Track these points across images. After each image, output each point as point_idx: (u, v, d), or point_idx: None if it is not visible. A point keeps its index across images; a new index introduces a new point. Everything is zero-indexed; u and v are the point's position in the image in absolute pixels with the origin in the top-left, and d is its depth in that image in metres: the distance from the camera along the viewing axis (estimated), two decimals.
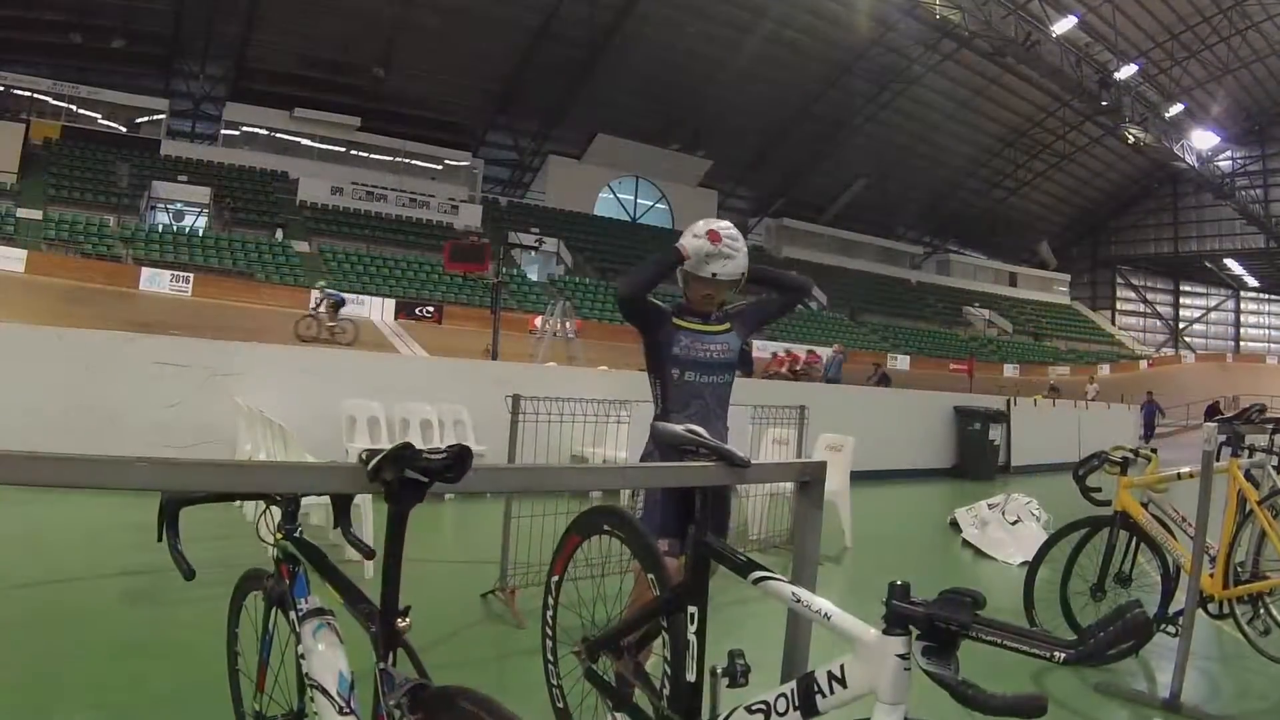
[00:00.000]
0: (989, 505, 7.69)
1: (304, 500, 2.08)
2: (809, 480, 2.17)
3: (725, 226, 3.21)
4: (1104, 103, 37.24)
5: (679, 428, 2.18)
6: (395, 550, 1.63)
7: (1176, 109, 41.13)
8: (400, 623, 1.62)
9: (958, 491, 10.76)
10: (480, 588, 4.71)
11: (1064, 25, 34.89)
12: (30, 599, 4.20)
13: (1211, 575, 4.01)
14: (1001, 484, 11.39)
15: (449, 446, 1.48)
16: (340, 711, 1.67)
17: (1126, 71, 37.57)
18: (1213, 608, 4.08)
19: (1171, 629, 3.93)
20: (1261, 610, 4.07)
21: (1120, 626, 1.42)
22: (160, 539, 1.83)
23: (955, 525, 7.89)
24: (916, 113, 41.48)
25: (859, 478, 7.70)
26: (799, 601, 1.81)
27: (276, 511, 2.02)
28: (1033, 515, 7.54)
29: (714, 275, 3.16)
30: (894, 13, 34.62)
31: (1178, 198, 51.70)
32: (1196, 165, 43.92)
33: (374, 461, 1.46)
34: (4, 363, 7.10)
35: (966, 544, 7.39)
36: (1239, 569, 4.06)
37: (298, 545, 1.96)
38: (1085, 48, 36.16)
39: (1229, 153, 46.65)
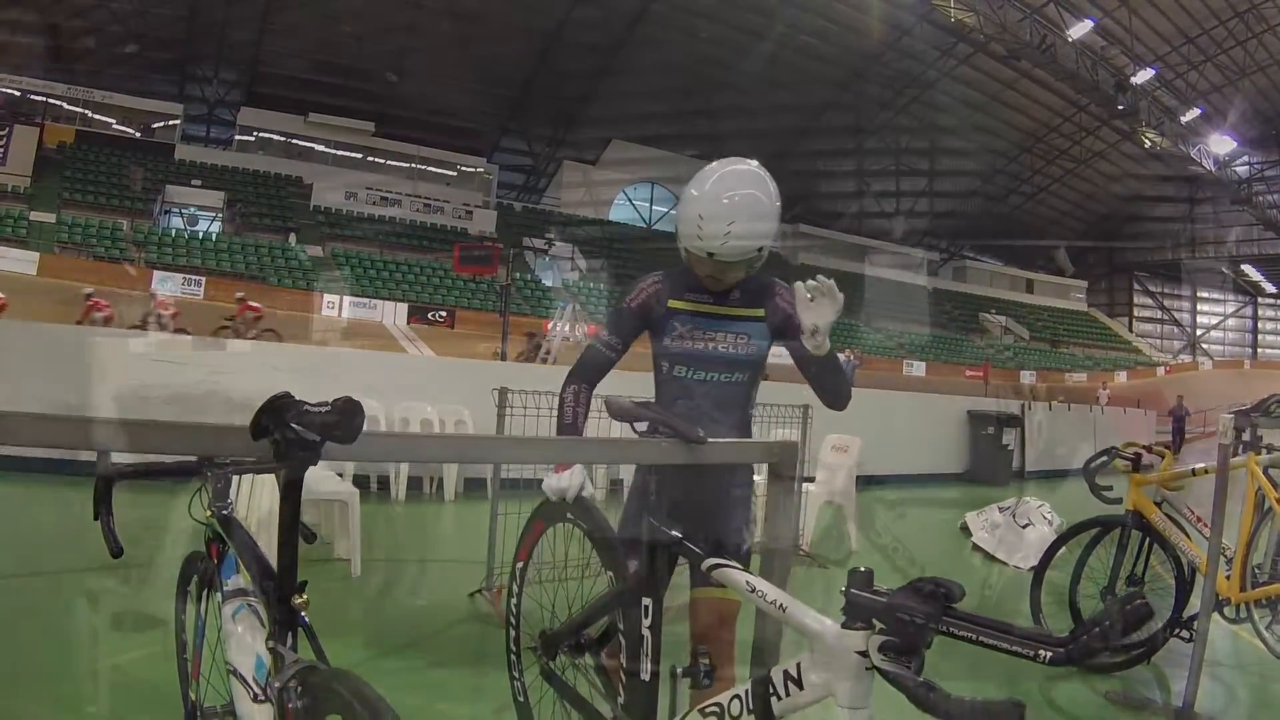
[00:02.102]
0: (1000, 509, 7.55)
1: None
2: (779, 462, 1.98)
3: (732, 189, 2.16)
4: (1120, 107, 36.87)
5: (630, 400, 1.99)
6: (290, 521, 1.49)
7: (1193, 113, 40.69)
8: (296, 599, 1.49)
9: (969, 496, 10.58)
10: (470, 587, 4.63)
11: (1080, 29, 34.59)
12: (6, 590, 4.13)
13: (1228, 577, 3.83)
14: (1015, 489, 11.17)
15: (334, 400, 1.33)
16: (255, 699, 1.57)
17: (1143, 75, 37.21)
18: (1229, 612, 3.89)
19: (1186, 634, 3.74)
20: None
21: (1119, 619, 1.21)
22: (96, 517, 1.78)
23: (966, 530, 7.73)
24: (932, 118, 41.21)
25: (867, 482, 7.55)
26: (754, 591, 1.65)
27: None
28: (1045, 519, 7.37)
29: (710, 255, 2.17)
30: (908, 17, 34.45)
31: (1195, 203, 51.21)
32: (1214, 170, 43.46)
33: (253, 416, 1.32)
34: None
35: (977, 548, 7.23)
36: (1257, 571, 3.88)
37: (224, 524, 1.85)
38: (1101, 51, 35.84)
39: (1246, 157, 46.09)
